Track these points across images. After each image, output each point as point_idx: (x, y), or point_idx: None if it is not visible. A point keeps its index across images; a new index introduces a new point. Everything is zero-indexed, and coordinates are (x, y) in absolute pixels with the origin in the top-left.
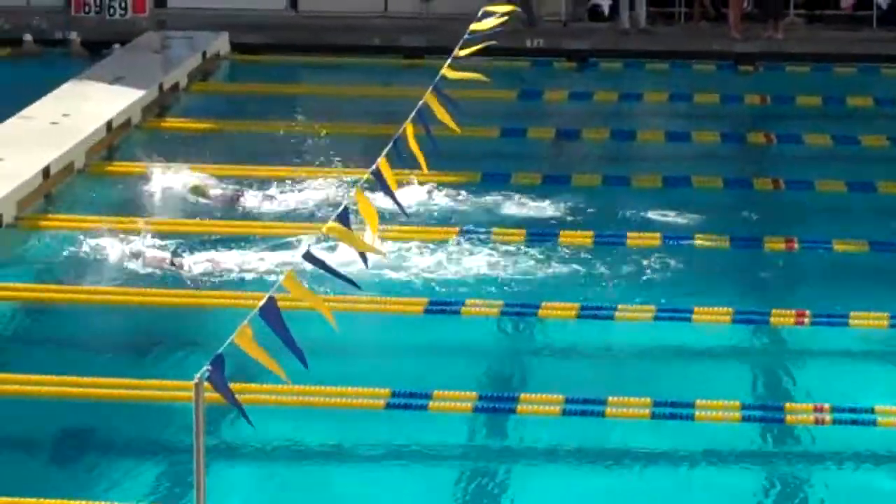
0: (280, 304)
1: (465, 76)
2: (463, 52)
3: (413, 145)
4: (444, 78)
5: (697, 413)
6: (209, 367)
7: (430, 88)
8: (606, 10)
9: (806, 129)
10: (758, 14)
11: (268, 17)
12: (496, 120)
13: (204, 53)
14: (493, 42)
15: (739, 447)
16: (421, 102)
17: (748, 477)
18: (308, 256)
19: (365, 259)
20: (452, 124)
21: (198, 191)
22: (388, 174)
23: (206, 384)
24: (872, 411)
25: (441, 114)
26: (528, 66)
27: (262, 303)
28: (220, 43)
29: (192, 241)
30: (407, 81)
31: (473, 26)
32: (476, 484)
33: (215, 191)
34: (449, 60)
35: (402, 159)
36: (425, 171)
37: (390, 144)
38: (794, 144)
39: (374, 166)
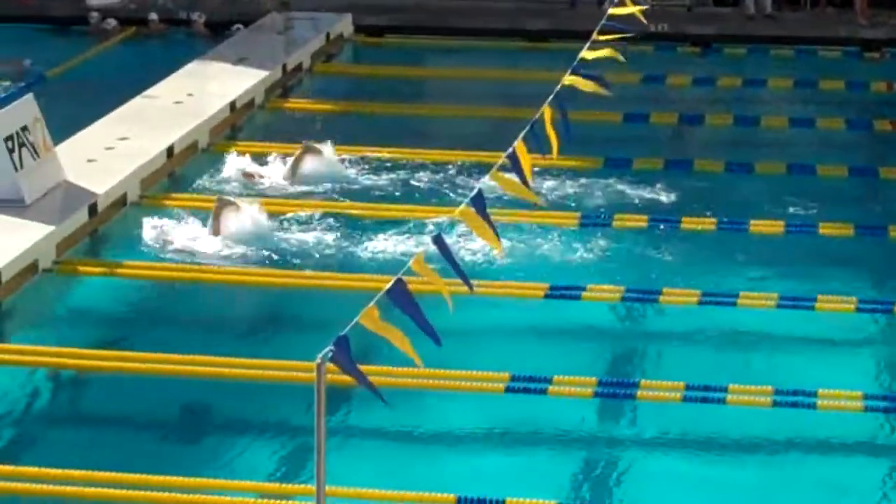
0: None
1: (603, 55)
2: (602, 38)
3: (549, 129)
4: (582, 60)
5: (820, 402)
6: (332, 348)
7: (569, 71)
8: None
9: None
10: None
11: None
12: (619, 105)
13: (327, 35)
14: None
15: (860, 438)
16: (559, 86)
17: (868, 468)
18: (437, 241)
19: (497, 239)
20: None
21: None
22: (525, 158)
23: (328, 365)
24: None
25: (590, 87)
26: (651, 50)
27: (389, 285)
28: (344, 25)
29: (324, 221)
30: (531, 64)
31: (612, 10)
32: (593, 469)
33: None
34: (588, 45)
35: (535, 143)
36: (555, 156)
37: (528, 127)
38: None
39: (510, 149)
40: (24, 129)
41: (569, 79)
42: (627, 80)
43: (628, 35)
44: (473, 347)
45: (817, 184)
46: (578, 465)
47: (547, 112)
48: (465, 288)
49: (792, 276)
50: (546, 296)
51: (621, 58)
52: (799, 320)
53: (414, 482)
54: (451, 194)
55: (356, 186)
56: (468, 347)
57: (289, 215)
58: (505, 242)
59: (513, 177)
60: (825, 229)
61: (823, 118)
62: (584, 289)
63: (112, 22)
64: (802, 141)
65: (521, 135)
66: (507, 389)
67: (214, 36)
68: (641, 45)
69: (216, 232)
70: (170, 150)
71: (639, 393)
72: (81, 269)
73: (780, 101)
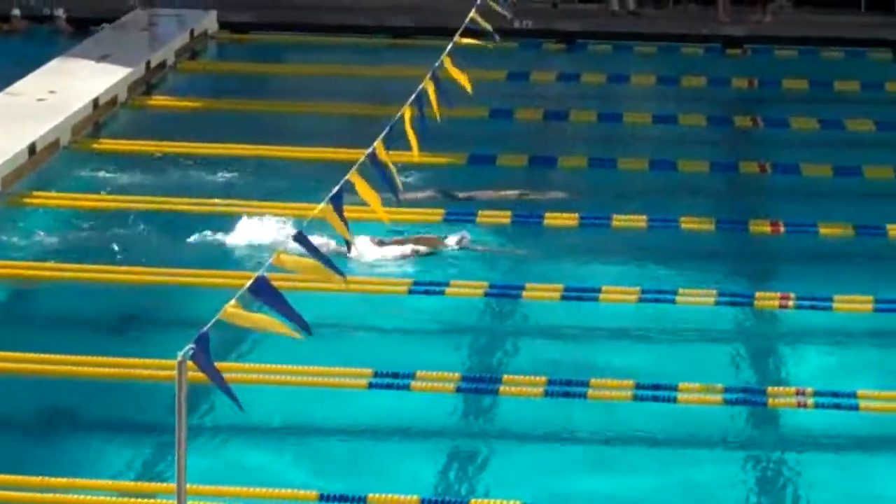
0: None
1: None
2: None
3: (408, 128)
4: (447, 57)
5: (680, 396)
6: (193, 346)
7: (429, 75)
8: None
9: (792, 113)
10: None
11: None
12: (484, 101)
13: (192, 32)
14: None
15: (721, 430)
16: (423, 83)
17: (729, 460)
18: (298, 238)
19: (349, 245)
20: (447, 108)
21: None
22: (385, 157)
23: (189, 363)
24: (855, 396)
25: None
26: (516, 47)
27: (252, 281)
28: (209, 21)
29: (186, 218)
30: (394, 61)
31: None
32: (458, 463)
33: None
34: (449, 47)
35: (395, 141)
36: (416, 154)
37: (388, 128)
38: (781, 128)
39: (370, 149)
40: None
41: (431, 78)
42: (493, 76)
43: (493, 32)
44: (337, 344)
45: (679, 179)
46: (442, 460)
47: (408, 111)
48: (329, 285)
49: (654, 270)
50: (410, 292)
51: (486, 54)
52: (661, 314)
53: (277, 479)
54: (314, 192)
55: (220, 182)
56: (332, 344)
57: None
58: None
59: (374, 174)
60: (686, 224)
61: (685, 114)
62: (447, 284)
63: None
64: (665, 137)
65: (382, 134)
66: (371, 385)
67: (78, 33)
68: (507, 41)
69: None
70: (32, 148)
71: (501, 388)
72: None
73: (643, 97)
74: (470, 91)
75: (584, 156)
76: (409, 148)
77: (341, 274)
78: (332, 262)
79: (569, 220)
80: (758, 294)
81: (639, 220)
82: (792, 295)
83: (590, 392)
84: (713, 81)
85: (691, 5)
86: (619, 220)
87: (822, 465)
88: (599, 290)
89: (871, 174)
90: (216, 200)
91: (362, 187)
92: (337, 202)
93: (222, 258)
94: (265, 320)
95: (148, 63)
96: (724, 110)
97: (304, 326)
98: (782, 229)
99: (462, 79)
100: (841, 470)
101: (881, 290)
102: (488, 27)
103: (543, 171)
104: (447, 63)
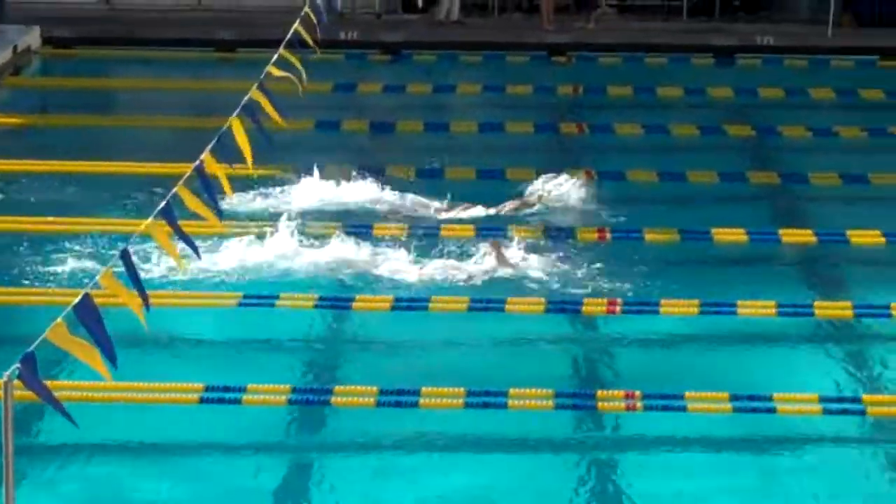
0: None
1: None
2: (285, 53)
3: (241, 140)
4: (267, 74)
5: (511, 402)
6: (19, 365)
7: (256, 85)
8: (420, 2)
9: (617, 119)
10: (570, 5)
11: (80, 10)
12: (311, 113)
13: (14, 47)
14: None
15: (553, 434)
16: (248, 96)
17: (562, 463)
18: (123, 256)
19: (196, 250)
20: (277, 118)
21: None
22: (214, 169)
23: (16, 382)
24: (683, 397)
25: (268, 107)
26: (342, 58)
27: (77, 300)
28: (32, 37)
29: (7, 237)
30: (221, 75)
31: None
32: (291, 475)
33: None
34: (274, 58)
35: (226, 154)
36: (250, 166)
37: (215, 139)
38: (606, 134)
39: (198, 161)
40: None
41: (257, 90)
42: (318, 88)
43: (318, 43)
44: (169, 358)
45: (507, 187)
46: (273, 472)
47: (236, 122)
48: (159, 300)
49: (483, 280)
50: (240, 304)
51: (312, 66)
52: (491, 322)
53: (109, 498)
54: (141, 207)
55: (47, 199)
56: (163, 358)
57: None
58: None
59: (199, 189)
60: (518, 232)
61: (512, 122)
62: (277, 297)
63: None
64: (492, 145)
65: (209, 146)
66: (203, 400)
67: None
68: (332, 53)
69: None
70: None
71: (333, 399)
72: None
73: (469, 106)
74: (302, 93)
75: (411, 165)
76: (240, 160)
77: (147, 302)
78: (142, 288)
79: (396, 231)
80: (586, 300)
81: (467, 230)
82: (619, 301)
83: (421, 401)
84: (539, 89)
85: (516, 14)
86: (447, 230)
87: (650, 467)
88: (429, 300)
89: (695, 178)
90: (45, 218)
91: (190, 200)
92: (167, 216)
93: (52, 276)
94: (82, 347)
95: None
96: (550, 117)
97: (111, 357)
98: (608, 236)
99: (289, 90)
100: (668, 471)
101: (706, 294)
102: (310, 40)
103: (371, 182)
104: (272, 74)
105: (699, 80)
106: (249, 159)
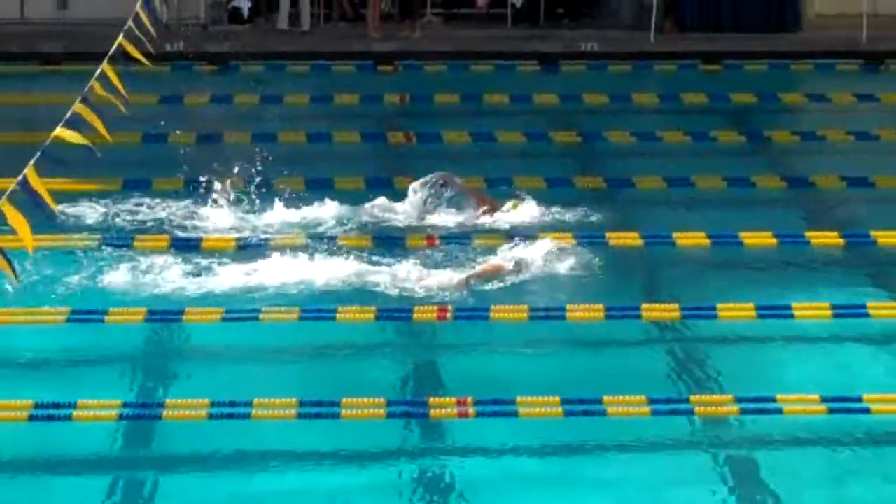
0: None
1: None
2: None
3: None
4: (91, 88)
5: (344, 412)
6: None
7: (80, 98)
8: (246, 13)
9: (444, 127)
10: (396, 14)
11: None
12: (138, 126)
13: None
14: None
15: (386, 443)
16: (71, 110)
17: (392, 472)
18: None
19: (15, 272)
20: (104, 131)
21: None
22: (37, 183)
23: None
24: (514, 402)
25: (94, 121)
26: (168, 70)
27: None
28: None
29: None
30: (46, 88)
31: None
32: (121, 490)
33: None
34: (98, 72)
35: (50, 168)
36: (70, 179)
37: (38, 153)
38: (434, 143)
39: (21, 175)
40: None
41: (79, 106)
42: (145, 100)
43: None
44: None
45: (335, 195)
46: (104, 486)
47: (64, 134)
48: None
49: (312, 285)
50: (68, 320)
51: (138, 78)
52: (322, 332)
53: None
54: None
55: None
56: None
57: None
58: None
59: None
60: (345, 241)
61: (339, 131)
62: (106, 312)
63: None
64: (320, 155)
65: (32, 160)
66: (31, 417)
67: None
68: (158, 65)
69: None
70: None
71: (165, 413)
72: None
73: (297, 116)
74: (125, 108)
75: (239, 177)
76: (65, 174)
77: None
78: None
79: (226, 243)
80: (416, 308)
81: (296, 238)
82: (449, 307)
83: (254, 412)
84: (366, 98)
85: (342, 23)
86: (278, 239)
87: (486, 470)
88: (260, 311)
89: (522, 184)
90: None
91: (13, 216)
92: None
93: None
94: None
95: None
96: (378, 126)
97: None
98: (437, 242)
99: (116, 101)
100: (502, 472)
101: (533, 299)
102: (137, 52)
103: (201, 194)
104: (97, 88)
105: (525, 87)
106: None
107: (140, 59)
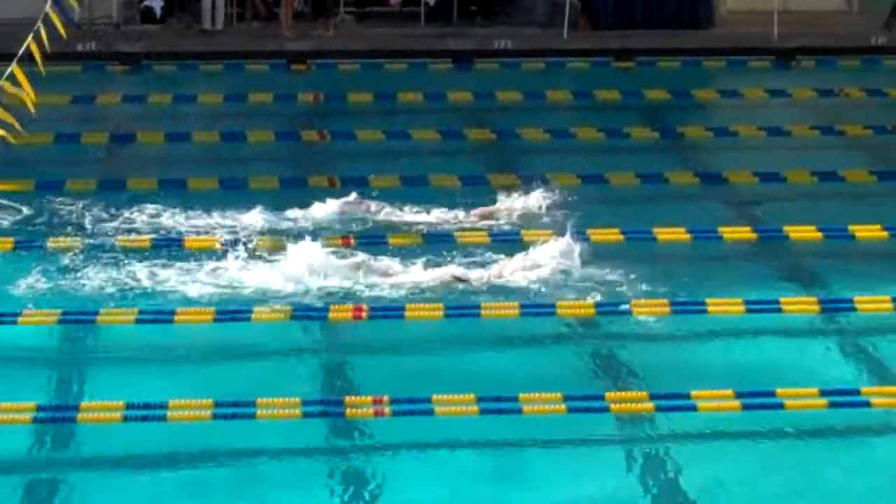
0: None
1: (20, 92)
2: (17, 71)
3: None
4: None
5: (259, 412)
6: None
7: None
8: (159, 12)
9: (358, 126)
10: (308, 13)
11: None
12: (49, 126)
13: None
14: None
15: (306, 442)
16: None
17: (313, 470)
18: None
19: None
20: (19, 127)
21: None
22: None
23: None
24: (430, 401)
25: (6, 118)
26: (80, 70)
27: None
28: None
29: None
30: None
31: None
32: (32, 493)
33: None
34: (7, 73)
35: None
36: None
37: None
38: (348, 141)
39: None
40: None
41: None
42: (56, 101)
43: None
44: None
45: (249, 196)
46: (20, 491)
47: None
48: None
49: (231, 289)
50: None
51: (49, 78)
52: (236, 331)
53: None
54: None
55: None
56: None
57: None
58: None
59: None
60: (262, 242)
61: (253, 131)
62: (20, 314)
63: None
64: (235, 154)
65: None
66: None
67: None
68: (70, 64)
69: None
70: None
71: (79, 416)
72: None
73: (210, 115)
74: (34, 112)
75: (154, 178)
76: None
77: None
78: None
79: (141, 242)
80: (332, 307)
81: (211, 241)
82: (365, 307)
83: (169, 414)
84: (279, 97)
85: (255, 22)
86: (192, 242)
87: (405, 468)
88: (175, 312)
89: (438, 182)
90: None
91: None
92: None
93: None
94: None
95: None
96: (292, 125)
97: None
98: (352, 242)
99: (26, 101)
100: (425, 469)
101: (451, 298)
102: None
103: (113, 195)
104: (6, 87)
105: (439, 85)
106: None
107: (38, 62)
